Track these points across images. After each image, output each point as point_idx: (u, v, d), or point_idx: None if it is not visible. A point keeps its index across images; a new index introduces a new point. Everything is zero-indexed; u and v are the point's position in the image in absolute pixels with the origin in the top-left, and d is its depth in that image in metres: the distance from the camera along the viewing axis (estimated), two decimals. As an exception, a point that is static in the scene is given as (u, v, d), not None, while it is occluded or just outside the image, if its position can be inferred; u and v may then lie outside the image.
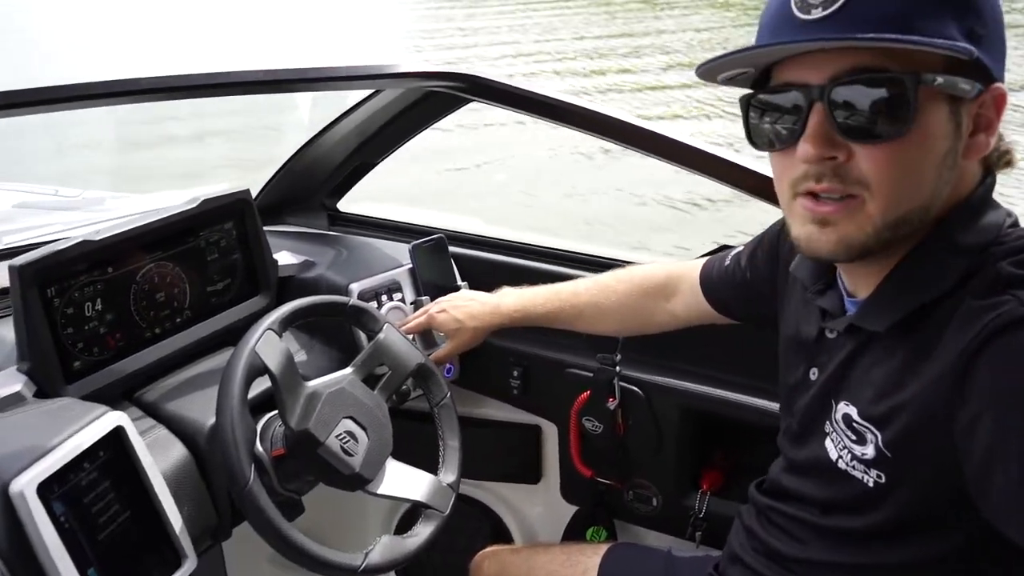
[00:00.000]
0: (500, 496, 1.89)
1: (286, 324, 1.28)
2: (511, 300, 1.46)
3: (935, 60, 0.77)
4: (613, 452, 1.63)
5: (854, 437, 0.88)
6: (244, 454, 1.15)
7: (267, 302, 1.61)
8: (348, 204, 2.00)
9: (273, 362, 1.21)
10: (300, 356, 1.56)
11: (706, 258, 1.33)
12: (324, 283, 1.64)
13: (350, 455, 1.23)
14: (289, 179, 1.89)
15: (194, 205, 1.46)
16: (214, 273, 1.53)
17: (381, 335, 1.38)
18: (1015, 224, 0.85)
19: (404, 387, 1.46)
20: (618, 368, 1.57)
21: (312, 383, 1.26)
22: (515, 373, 1.72)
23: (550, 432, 1.77)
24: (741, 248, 1.25)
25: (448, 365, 1.72)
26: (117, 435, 1.12)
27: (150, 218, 1.39)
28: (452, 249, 1.75)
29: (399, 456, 1.32)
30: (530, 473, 1.82)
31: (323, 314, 1.39)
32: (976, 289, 0.78)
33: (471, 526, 1.90)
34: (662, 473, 1.61)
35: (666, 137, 1.45)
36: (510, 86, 1.54)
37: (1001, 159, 0.87)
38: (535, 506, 1.86)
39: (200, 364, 1.50)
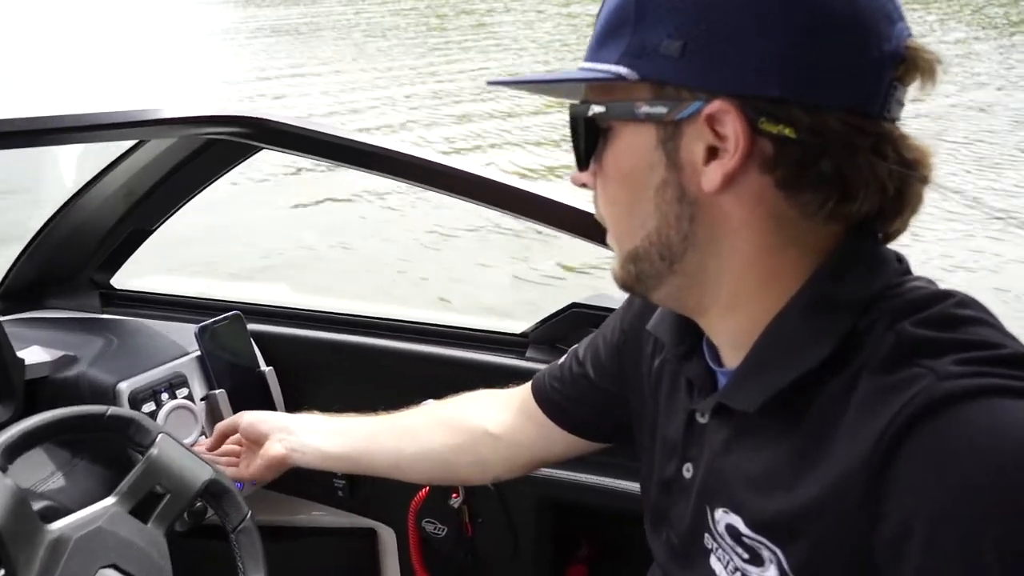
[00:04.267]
0: None
1: (14, 453, 1.01)
2: (323, 444, 1.17)
3: (604, 89, 0.72)
4: (461, 557, 1.42)
5: (746, 555, 0.71)
6: None
7: (10, 414, 1.29)
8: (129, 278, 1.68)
9: None
10: (56, 481, 1.27)
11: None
12: (85, 384, 1.34)
13: None
14: (45, 253, 1.57)
15: None
16: (-75, 385, 1.19)
17: (153, 451, 1.10)
18: (906, 271, 0.71)
19: (198, 505, 1.20)
20: (459, 458, 1.33)
21: (57, 525, 0.99)
22: (338, 472, 1.45)
23: (387, 536, 1.53)
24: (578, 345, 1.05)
25: None
26: None
27: None
28: (252, 327, 1.47)
29: None
30: None
31: (72, 431, 1.10)
32: (873, 358, 0.64)
33: None
34: None
35: (481, 177, 1.29)
36: (303, 129, 1.31)
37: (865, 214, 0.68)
38: None
39: None
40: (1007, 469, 0.55)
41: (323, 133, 1.32)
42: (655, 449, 0.87)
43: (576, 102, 0.73)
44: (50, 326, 1.51)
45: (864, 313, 0.67)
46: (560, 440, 1.03)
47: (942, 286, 0.69)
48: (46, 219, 1.53)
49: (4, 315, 1.57)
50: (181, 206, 1.53)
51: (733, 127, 0.65)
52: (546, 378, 1.04)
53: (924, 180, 0.68)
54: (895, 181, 0.66)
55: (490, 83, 0.81)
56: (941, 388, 0.59)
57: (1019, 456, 0.55)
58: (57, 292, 1.63)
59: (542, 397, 1.03)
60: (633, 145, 0.71)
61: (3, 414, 1.29)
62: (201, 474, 1.13)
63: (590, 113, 0.72)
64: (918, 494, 0.58)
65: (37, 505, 1.12)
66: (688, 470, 0.81)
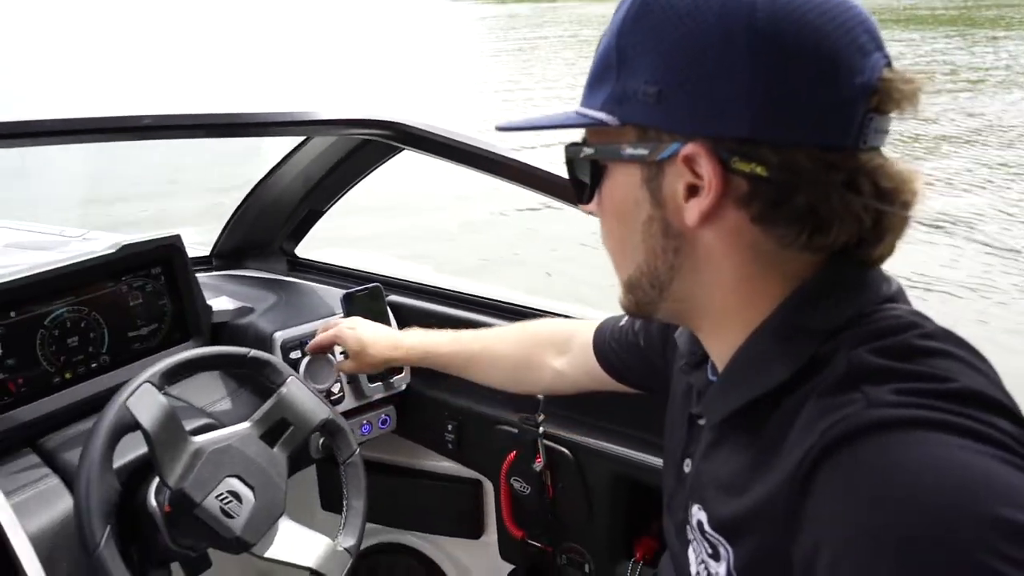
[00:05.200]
0: (443, 549, 1.83)
1: (170, 377, 1.24)
2: (413, 339, 1.43)
3: (596, 132, 0.75)
4: (543, 515, 1.55)
5: (710, 550, 0.75)
6: (97, 516, 1.10)
7: (199, 347, 1.58)
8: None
9: (147, 418, 1.16)
10: (223, 404, 1.52)
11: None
12: (252, 331, 1.61)
13: (231, 517, 1.17)
14: (245, 225, 1.89)
15: (114, 250, 1.46)
16: (137, 318, 1.53)
17: (283, 389, 1.33)
18: (890, 298, 0.69)
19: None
20: (541, 428, 1.49)
21: (199, 439, 1.21)
22: (449, 427, 1.66)
23: (489, 488, 1.71)
24: None
25: (384, 416, 1.68)
26: None
27: (63, 262, 1.39)
28: (392, 297, 1.71)
29: (333, 506, 1.23)
30: (470, 528, 1.75)
31: (220, 366, 1.35)
32: (824, 382, 0.63)
33: None
34: (594, 539, 1.53)
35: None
36: (439, 135, 1.48)
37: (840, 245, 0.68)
38: (476, 562, 1.79)
39: None
40: (911, 511, 0.52)
41: (455, 140, 1.47)
42: (673, 441, 0.93)
43: (578, 141, 0.77)
44: (241, 282, 1.82)
45: (829, 339, 0.66)
46: (605, 380, 1.20)
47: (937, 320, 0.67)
48: (242, 198, 1.86)
49: (214, 271, 1.93)
50: (345, 192, 1.79)
51: (707, 167, 0.66)
52: (607, 335, 1.17)
53: (904, 207, 0.67)
54: (871, 213, 0.66)
55: (499, 128, 0.85)
56: (867, 415, 0.57)
57: (925, 498, 0.52)
58: (254, 256, 1.94)
59: (600, 352, 1.18)
60: (622, 183, 0.73)
61: (194, 346, 1.56)
62: (320, 413, 1.34)
63: (582, 155, 0.76)
64: (828, 518, 0.57)
65: (199, 421, 1.37)
66: (688, 465, 0.85)
